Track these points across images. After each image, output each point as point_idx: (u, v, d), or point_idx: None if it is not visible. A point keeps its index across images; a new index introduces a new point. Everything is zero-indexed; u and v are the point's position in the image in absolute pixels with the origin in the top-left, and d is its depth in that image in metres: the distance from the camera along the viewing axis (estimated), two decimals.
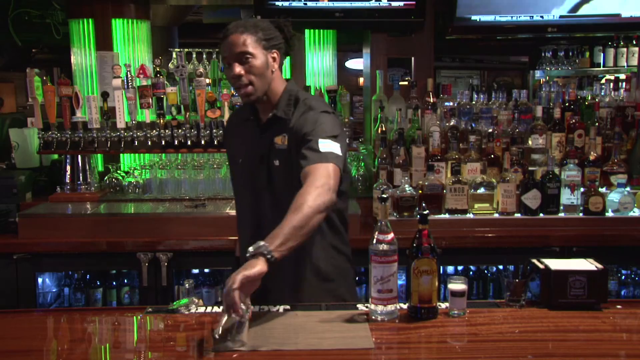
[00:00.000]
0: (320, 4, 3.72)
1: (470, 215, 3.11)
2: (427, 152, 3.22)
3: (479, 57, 6.84)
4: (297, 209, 1.85)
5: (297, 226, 1.83)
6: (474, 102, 3.59)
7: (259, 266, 1.75)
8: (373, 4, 3.73)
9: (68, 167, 3.53)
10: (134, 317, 2.05)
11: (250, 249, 1.80)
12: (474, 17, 3.86)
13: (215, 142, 3.37)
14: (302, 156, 2.01)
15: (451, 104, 3.49)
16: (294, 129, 2.12)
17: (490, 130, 3.28)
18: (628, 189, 3.16)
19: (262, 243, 1.79)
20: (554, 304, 2.01)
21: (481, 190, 3.11)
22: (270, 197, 2.19)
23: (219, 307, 2.06)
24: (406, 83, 3.88)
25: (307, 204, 1.86)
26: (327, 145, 2.02)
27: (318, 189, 1.91)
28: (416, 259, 1.89)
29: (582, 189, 3.12)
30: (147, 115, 3.41)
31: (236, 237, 2.89)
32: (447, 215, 3.11)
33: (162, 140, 3.39)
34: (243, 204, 2.33)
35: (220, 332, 1.71)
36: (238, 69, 2.09)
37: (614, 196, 3.12)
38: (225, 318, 1.73)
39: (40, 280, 3.34)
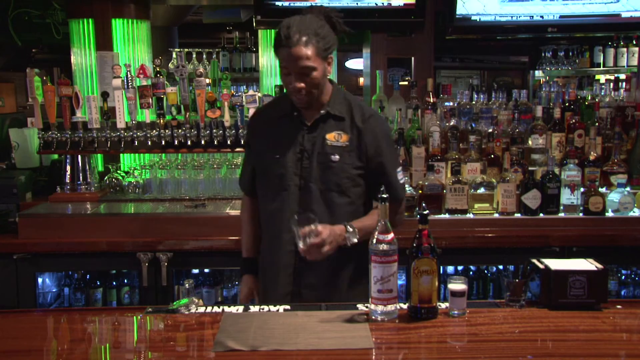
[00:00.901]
0: (320, 4, 3.71)
1: (470, 215, 3.11)
2: (427, 152, 3.22)
3: (479, 57, 6.84)
4: (374, 215, 2.15)
5: (372, 227, 1.99)
6: (474, 102, 3.59)
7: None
8: (373, 4, 3.73)
9: (68, 167, 3.52)
10: (134, 317, 2.05)
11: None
12: (474, 17, 3.86)
13: (215, 142, 3.37)
14: (387, 185, 2.11)
15: (451, 104, 3.49)
16: (361, 130, 2.22)
17: (490, 130, 3.28)
18: (628, 189, 3.16)
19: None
20: (554, 304, 2.01)
21: (481, 190, 3.11)
22: (318, 192, 2.21)
23: (219, 307, 2.06)
24: (406, 83, 3.88)
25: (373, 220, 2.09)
26: (401, 176, 2.32)
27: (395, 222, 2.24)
28: (416, 259, 1.89)
29: (582, 189, 3.12)
30: (147, 115, 3.41)
31: (236, 237, 2.90)
32: (447, 215, 3.11)
33: (162, 140, 3.39)
34: (277, 201, 2.25)
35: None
36: (299, 83, 2.12)
37: (614, 196, 3.12)
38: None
39: (40, 280, 3.34)
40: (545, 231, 3.07)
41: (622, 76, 5.19)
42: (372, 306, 1.91)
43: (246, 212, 2.49)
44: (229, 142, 3.39)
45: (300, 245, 2.01)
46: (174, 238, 3.08)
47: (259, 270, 2.42)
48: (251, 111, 3.34)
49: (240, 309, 2.06)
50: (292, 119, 2.26)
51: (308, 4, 3.72)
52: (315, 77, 2.12)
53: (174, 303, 2.06)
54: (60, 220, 3.15)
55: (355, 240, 2.11)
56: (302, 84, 2.11)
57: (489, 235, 3.08)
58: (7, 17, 4.49)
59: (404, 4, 3.74)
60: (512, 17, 3.85)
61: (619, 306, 2.09)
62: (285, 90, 2.27)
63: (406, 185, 3.03)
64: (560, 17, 3.85)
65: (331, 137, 2.21)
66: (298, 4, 3.72)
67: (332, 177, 2.21)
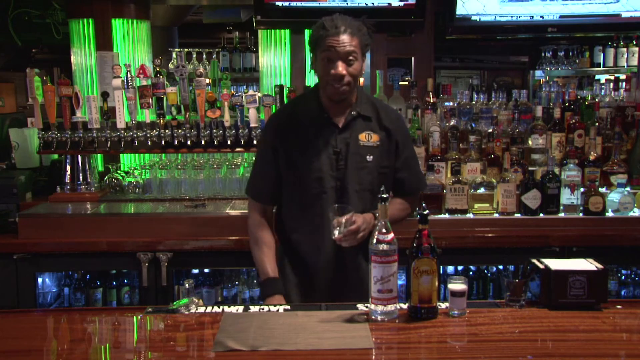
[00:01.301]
0: (320, 4, 3.72)
1: (470, 215, 3.11)
2: (427, 152, 3.22)
3: (479, 57, 6.83)
4: (396, 207, 2.36)
5: (393, 216, 2.19)
6: (474, 102, 3.59)
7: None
8: (373, 3, 3.73)
9: (68, 167, 3.52)
10: (134, 317, 2.05)
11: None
12: (474, 17, 3.86)
13: (215, 142, 3.37)
14: (411, 177, 2.39)
15: (451, 104, 3.49)
16: (391, 132, 2.31)
17: (490, 130, 3.29)
18: (628, 189, 3.16)
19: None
20: (554, 304, 2.01)
21: (481, 190, 3.11)
22: (355, 192, 2.25)
23: (219, 307, 2.06)
24: (406, 83, 3.88)
25: (402, 209, 2.40)
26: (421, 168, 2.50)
27: (407, 210, 2.45)
28: (416, 259, 1.89)
29: (582, 189, 3.12)
30: (147, 115, 3.40)
31: (236, 237, 2.89)
32: (447, 215, 3.11)
33: (162, 140, 3.39)
34: (316, 205, 2.24)
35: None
36: (343, 68, 2.15)
37: (614, 196, 3.12)
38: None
39: (40, 280, 3.34)
40: (545, 231, 3.07)
41: (622, 76, 5.19)
42: (372, 306, 1.91)
43: (262, 226, 2.36)
44: (229, 142, 3.39)
45: (336, 233, 2.09)
46: (174, 238, 3.08)
47: (285, 279, 2.34)
48: (252, 111, 3.33)
49: (240, 309, 2.06)
50: (322, 120, 2.27)
51: (309, 4, 3.71)
52: (356, 69, 2.18)
53: (174, 303, 2.06)
54: (60, 220, 3.15)
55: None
56: (345, 69, 2.15)
57: (489, 235, 3.08)
58: (7, 17, 4.48)
59: (404, 4, 3.74)
60: (512, 17, 3.85)
61: (619, 306, 2.09)
62: (298, 92, 2.32)
63: None
64: (560, 17, 3.85)
65: (363, 137, 2.26)
66: (298, 4, 3.72)
67: (366, 177, 2.27)
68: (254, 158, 2.50)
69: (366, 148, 2.26)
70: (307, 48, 3.97)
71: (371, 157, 2.26)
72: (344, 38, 2.14)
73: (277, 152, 2.30)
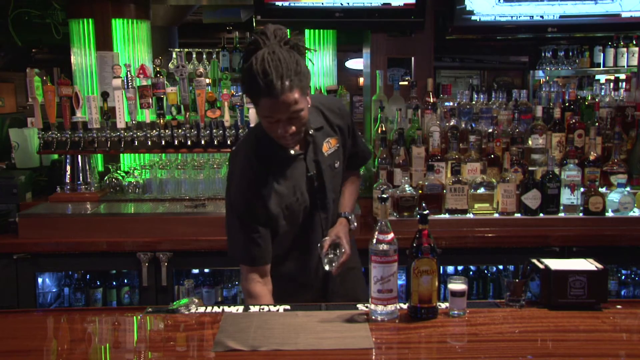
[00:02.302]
0: (320, 4, 3.72)
1: (470, 215, 3.11)
2: (427, 152, 3.22)
3: (479, 57, 6.84)
4: (354, 191, 2.47)
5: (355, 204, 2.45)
6: (474, 102, 3.59)
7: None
8: (373, 4, 3.73)
9: (68, 167, 3.53)
10: (134, 317, 2.05)
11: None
12: (474, 17, 3.86)
13: (215, 142, 3.37)
14: (361, 151, 2.43)
15: (451, 104, 3.49)
16: (343, 129, 2.28)
17: (490, 130, 3.28)
18: (628, 189, 3.16)
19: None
20: (554, 304, 2.01)
21: (481, 190, 3.11)
22: (332, 201, 2.28)
23: (219, 307, 2.06)
24: (406, 83, 3.88)
25: (357, 190, 2.51)
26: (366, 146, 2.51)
27: (360, 179, 2.62)
28: (416, 259, 1.89)
29: (582, 189, 3.12)
30: (147, 115, 3.41)
31: None
32: (447, 215, 3.11)
33: (162, 140, 3.39)
34: (307, 232, 2.23)
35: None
36: (290, 128, 1.96)
37: (614, 196, 3.12)
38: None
39: (40, 280, 3.34)
40: (545, 231, 3.07)
41: (622, 76, 5.19)
42: (372, 306, 1.91)
43: (261, 284, 2.16)
44: (229, 142, 3.39)
45: (327, 267, 2.20)
46: (174, 238, 3.08)
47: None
48: (252, 111, 3.34)
49: (240, 309, 2.06)
50: (287, 155, 2.12)
51: (308, 4, 3.71)
52: (304, 117, 1.98)
53: (174, 303, 2.06)
54: (60, 220, 3.16)
55: (355, 223, 2.35)
56: (293, 128, 1.97)
57: (489, 235, 3.08)
58: (7, 17, 4.48)
59: (404, 4, 3.74)
60: (512, 17, 3.85)
61: (619, 306, 2.09)
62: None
63: (406, 185, 3.04)
64: (560, 17, 3.85)
65: (325, 147, 2.21)
66: (298, 4, 3.72)
67: (338, 181, 2.30)
68: (227, 223, 2.18)
69: (331, 156, 2.22)
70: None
71: (338, 162, 2.25)
72: (284, 99, 1.88)
73: (262, 208, 2.10)
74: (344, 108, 2.34)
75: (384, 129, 3.45)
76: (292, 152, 2.12)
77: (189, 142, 3.38)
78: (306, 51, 2.01)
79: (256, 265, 2.14)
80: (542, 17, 3.85)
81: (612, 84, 3.90)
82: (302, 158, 2.16)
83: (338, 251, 2.20)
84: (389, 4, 3.73)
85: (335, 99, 2.45)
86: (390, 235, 1.88)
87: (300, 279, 2.30)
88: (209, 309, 2.06)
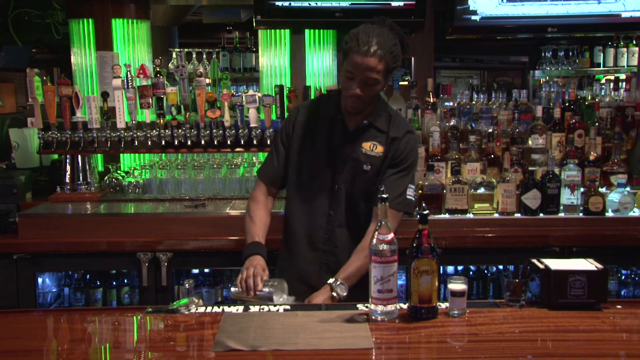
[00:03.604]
0: (320, 4, 3.72)
1: (470, 215, 3.11)
2: (427, 152, 3.22)
3: (479, 57, 6.84)
4: (363, 252, 2.22)
5: (361, 269, 2.23)
6: (474, 102, 3.59)
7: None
8: (373, 3, 3.73)
9: (68, 167, 3.52)
10: (134, 317, 2.05)
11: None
12: (474, 17, 3.86)
13: (215, 142, 3.37)
14: (388, 189, 2.19)
15: (451, 104, 3.49)
16: (394, 145, 2.31)
17: (490, 130, 3.28)
18: (628, 189, 3.16)
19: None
20: (554, 304, 2.01)
21: (481, 190, 3.11)
22: (345, 195, 2.30)
23: (219, 307, 2.06)
24: (406, 83, 3.88)
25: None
26: (412, 193, 2.35)
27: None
28: (416, 259, 1.89)
29: (582, 189, 3.12)
30: (147, 115, 3.40)
31: (236, 237, 2.90)
32: (447, 215, 3.11)
33: (162, 140, 3.39)
34: (309, 201, 2.34)
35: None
36: (359, 90, 2.16)
37: (614, 196, 3.12)
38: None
39: (40, 280, 3.34)
40: (545, 231, 3.07)
41: (622, 76, 5.19)
42: (372, 306, 1.91)
43: (260, 204, 2.44)
44: (229, 142, 3.39)
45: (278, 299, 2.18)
46: (174, 238, 3.08)
47: (276, 269, 2.44)
48: (252, 111, 3.34)
49: (240, 309, 2.06)
50: (336, 122, 2.31)
51: (308, 4, 3.71)
52: (376, 90, 2.20)
53: (174, 303, 2.06)
54: (60, 220, 3.15)
55: (345, 293, 2.21)
56: (360, 91, 2.16)
57: (489, 235, 3.08)
58: (7, 17, 4.49)
59: (404, 4, 3.74)
60: (512, 17, 3.85)
61: (619, 306, 2.09)
62: (325, 93, 2.38)
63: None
64: (560, 17, 3.85)
65: (367, 146, 2.30)
66: (298, 4, 3.72)
67: (360, 184, 2.32)
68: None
69: (367, 156, 2.30)
70: (307, 48, 4.00)
71: (369, 166, 2.30)
72: (371, 61, 2.12)
73: (289, 142, 2.39)
74: (413, 140, 2.38)
75: None
76: (346, 125, 2.30)
77: (189, 142, 3.37)
78: (406, 49, 2.27)
79: (260, 179, 2.48)
80: (544, 16, 3.85)
81: (612, 84, 3.91)
82: (343, 134, 2.30)
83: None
84: (389, 4, 3.73)
85: (408, 123, 2.49)
86: (390, 235, 1.88)
87: (299, 254, 2.39)
88: (209, 309, 2.06)
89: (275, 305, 2.09)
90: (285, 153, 2.41)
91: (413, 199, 2.35)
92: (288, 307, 2.07)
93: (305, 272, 2.38)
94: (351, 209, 2.34)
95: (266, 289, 2.15)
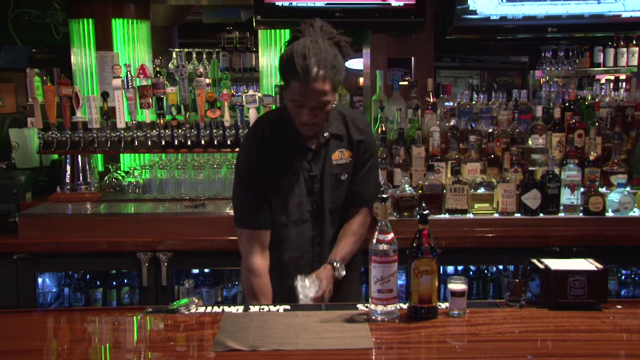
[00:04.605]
0: (320, 4, 3.72)
1: (470, 215, 3.11)
2: (427, 152, 3.22)
3: (479, 57, 6.84)
4: (351, 237, 2.26)
5: (352, 252, 2.26)
6: (474, 102, 3.59)
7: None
8: (373, 3, 3.73)
9: (68, 167, 3.52)
10: (134, 317, 2.05)
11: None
12: (474, 17, 3.86)
13: (215, 142, 3.37)
14: (367, 189, 2.29)
15: (451, 104, 3.49)
16: (361, 145, 2.25)
17: (490, 130, 3.28)
18: (628, 189, 3.16)
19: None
20: (554, 304, 2.01)
21: (481, 190, 3.11)
22: (329, 212, 2.25)
23: (219, 307, 2.06)
24: (406, 83, 3.88)
25: (359, 238, 2.31)
26: (380, 178, 2.37)
27: (365, 226, 2.33)
28: (416, 259, 1.89)
29: (582, 189, 3.12)
30: (147, 115, 3.41)
31: (236, 237, 2.89)
32: (447, 215, 3.11)
33: (162, 140, 3.39)
34: (296, 230, 2.25)
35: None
36: (312, 117, 2.05)
37: (614, 196, 3.12)
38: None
39: (40, 280, 3.34)
40: (545, 231, 3.07)
41: (622, 76, 5.19)
42: (372, 306, 1.91)
43: (262, 273, 2.23)
44: (229, 142, 3.39)
45: (301, 297, 2.12)
46: (174, 238, 3.08)
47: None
48: (252, 111, 3.34)
49: (240, 309, 2.06)
50: (297, 145, 2.20)
51: (308, 4, 3.71)
52: (328, 110, 2.09)
53: (174, 303, 2.06)
54: (60, 220, 3.15)
55: (344, 272, 2.20)
56: (314, 118, 2.06)
57: (489, 235, 3.08)
58: (7, 17, 4.48)
59: (404, 4, 3.74)
60: (512, 17, 3.85)
61: (619, 306, 2.09)
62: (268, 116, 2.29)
63: (406, 186, 3.04)
64: (560, 17, 3.85)
65: (336, 156, 2.24)
66: (298, 4, 3.72)
67: (340, 194, 2.28)
68: (233, 190, 2.30)
69: (340, 167, 2.24)
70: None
71: (345, 175, 2.25)
72: (316, 86, 1.96)
73: (255, 178, 2.21)
74: (370, 131, 2.35)
75: (384, 129, 3.45)
76: (308, 144, 2.20)
77: (189, 142, 3.38)
78: (346, 52, 2.10)
79: (254, 228, 2.22)
80: (544, 16, 3.85)
81: (612, 84, 3.90)
82: (308, 154, 2.21)
83: (313, 284, 2.12)
84: (389, 4, 3.73)
85: (365, 119, 2.39)
86: (390, 235, 1.88)
87: (293, 272, 2.26)
88: (209, 309, 2.06)
89: (275, 306, 2.09)
90: (263, 187, 2.21)
91: (382, 182, 2.39)
92: (288, 307, 2.07)
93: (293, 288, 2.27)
94: (333, 221, 2.28)
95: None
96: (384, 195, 1.90)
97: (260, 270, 2.22)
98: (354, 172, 2.28)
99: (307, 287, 2.02)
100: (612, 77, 5.50)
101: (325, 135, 2.21)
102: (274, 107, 3.38)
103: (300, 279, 2.05)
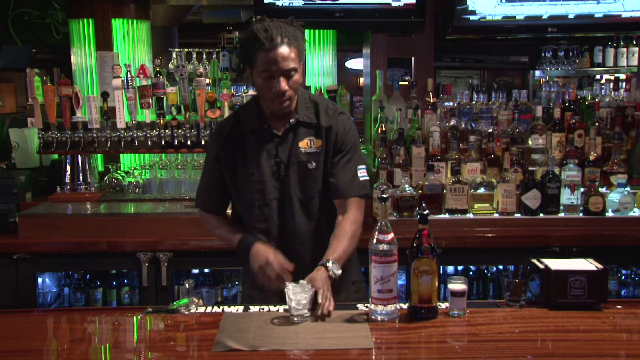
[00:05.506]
0: (320, 4, 3.72)
1: (470, 215, 3.11)
2: (427, 152, 3.22)
3: (479, 57, 6.84)
4: (344, 236, 2.15)
5: (347, 251, 2.14)
6: (474, 102, 3.59)
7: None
8: (373, 4, 3.73)
9: (68, 167, 3.53)
10: (134, 317, 2.05)
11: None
12: (473, 17, 3.86)
13: None
14: (342, 179, 2.20)
15: (451, 104, 3.49)
16: (332, 132, 2.20)
17: (490, 130, 3.28)
18: (628, 189, 3.16)
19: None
20: (554, 304, 2.01)
21: (481, 190, 3.11)
22: (298, 202, 2.19)
23: (219, 307, 2.06)
24: (406, 83, 3.88)
25: (351, 236, 2.17)
26: (363, 174, 2.24)
27: (356, 224, 2.20)
28: (416, 259, 1.89)
29: (582, 189, 3.12)
30: (147, 115, 3.41)
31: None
32: (447, 215, 3.11)
33: (162, 140, 3.39)
34: (260, 218, 2.21)
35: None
36: (284, 84, 2.06)
37: (614, 196, 3.12)
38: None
39: (40, 280, 3.34)
40: (545, 231, 3.07)
41: (622, 76, 5.19)
42: (372, 306, 1.91)
43: (214, 220, 2.34)
44: None
45: (294, 314, 1.93)
46: (174, 238, 3.08)
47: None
48: None
49: (240, 309, 2.06)
50: (262, 131, 2.19)
51: (308, 4, 3.71)
52: (297, 81, 2.10)
53: (174, 303, 2.06)
54: (60, 220, 3.15)
55: (340, 271, 2.07)
56: (286, 85, 2.06)
57: (489, 235, 3.08)
58: (7, 17, 4.49)
59: (404, 4, 3.74)
60: (512, 17, 3.85)
61: (619, 306, 2.09)
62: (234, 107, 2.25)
63: (406, 185, 3.03)
64: (560, 17, 3.85)
65: (304, 144, 2.19)
66: (298, 4, 3.72)
67: (311, 185, 2.20)
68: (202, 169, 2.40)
69: (308, 155, 2.19)
70: (307, 48, 3.99)
71: (314, 163, 2.19)
72: (282, 52, 2.02)
73: (220, 163, 2.23)
74: (345, 120, 2.26)
75: (384, 129, 3.45)
76: (274, 131, 2.18)
77: (189, 142, 3.38)
78: (302, 31, 2.15)
79: (205, 211, 2.35)
80: (542, 17, 3.85)
81: (612, 84, 3.90)
82: (275, 139, 2.19)
83: (304, 289, 1.94)
84: (389, 4, 3.73)
85: (338, 107, 2.31)
86: (390, 235, 1.88)
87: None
88: (209, 309, 2.06)
89: (275, 306, 2.09)
90: (221, 177, 2.24)
91: (367, 178, 2.25)
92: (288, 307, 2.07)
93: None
94: (306, 213, 2.21)
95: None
96: (384, 195, 1.90)
97: (216, 225, 2.33)
98: (327, 161, 2.21)
99: (298, 293, 1.91)
100: (612, 77, 5.51)
101: (291, 121, 2.19)
102: None
103: (292, 285, 1.94)
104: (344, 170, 2.21)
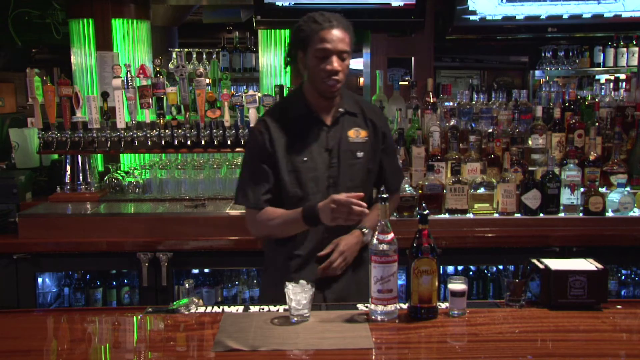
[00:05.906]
0: (320, 4, 3.71)
1: (470, 215, 3.11)
2: (427, 152, 3.22)
3: (479, 57, 6.84)
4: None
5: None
6: (474, 102, 3.59)
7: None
8: (373, 4, 3.73)
9: (68, 167, 3.52)
10: (134, 317, 2.05)
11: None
12: (473, 17, 3.86)
13: (215, 142, 3.37)
14: (393, 175, 2.43)
15: (451, 104, 3.49)
16: (378, 130, 2.32)
17: (490, 130, 3.28)
18: (628, 189, 3.16)
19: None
20: (554, 304, 2.01)
21: (481, 190, 3.11)
22: (346, 190, 2.17)
23: (219, 307, 2.06)
24: (406, 83, 3.88)
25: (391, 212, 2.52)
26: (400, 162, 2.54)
27: (394, 205, 2.60)
28: (416, 259, 1.89)
29: (582, 189, 3.12)
30: (147, 115, 3.41)
31: (236, 237, 2.88)
32: (447, 215, 3.11)
33: (162, 140, 3.39)
34: (311, 200, 2.20)
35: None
36: (338, 64, 2.14)
37: (614, 196, 3.12)
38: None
39: (40, 280, 3.34)
40: (545, 231, 3.07)
41: (622, 76, 5.18)
42: (372, 306, 1.91)
43: (265, 214, 2.24)
44: (229, 142, 3.39)
45: (295, 308, 1.94)
46: (174, 238, 3.08)
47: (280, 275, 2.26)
48: (252, 111, 3.34)
49: (240, 309, 2.06)
50: (311, 119, 2.25)
51: (308, 4, 3.71)
52: (347, 66, 2.20)
53: (174, 303, 2.06)
54: (60, 220, 3.15)
55: (370, 237, 2.11)
56: (339, 66, 2.14)
57: (489, 235, 3.08)
58: (7, 17, 4.49)
59: (404, 4, 3.74)
60: (512, 17, 3.85)
61: (619, 306, 2.09)
62: (280, 93, 2.28)
63: (406, 185, 3.03)
64: (560, 17, 3.85)
65: (352, 134, 2.27)
66: (298, 4, 3.71)
67: (358, 173, 2.27)
68: (242, 166, 2.38)
69: (356, 144, 2.26)
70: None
71: (362, 153, 2.27)
72: (338, 33, 2.13)
73: (271, 156, 2.22)
74: (385, 118, 2.47)
75: None
76: (323, 119, 2.25)
77: (189, 142, 3.38)
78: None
79: (255, 208, 2.24)
80: (542, 17, 3.85)
81: (612, 84, 3.90)
82: (324, 128, 2.25)
83: (304, 289, 1.95)
84: (389, 4, 3.73)
85: (379, 108, 2.56)
86: (390, 235, 1.88)
87: (302, 253, 2.26)
88: (209, 309, 2.06)
89: (275, 306, 2.09)
90: (270, 170, 2.22)
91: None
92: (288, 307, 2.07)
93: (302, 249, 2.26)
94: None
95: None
96: (384, 195, 1.90)
97: (270, 213, 2.23)
98: (374, 155, 2.31)
99: (298, 293, 1.91)
100: (612, 77, 5.50)
101: (340, 110, 2.27)
102: None
103: (292, 285, 1.93)
104: (394, 169, 2.45)
